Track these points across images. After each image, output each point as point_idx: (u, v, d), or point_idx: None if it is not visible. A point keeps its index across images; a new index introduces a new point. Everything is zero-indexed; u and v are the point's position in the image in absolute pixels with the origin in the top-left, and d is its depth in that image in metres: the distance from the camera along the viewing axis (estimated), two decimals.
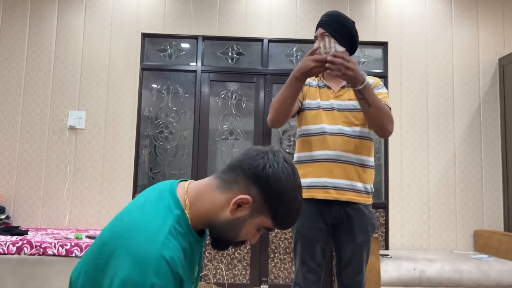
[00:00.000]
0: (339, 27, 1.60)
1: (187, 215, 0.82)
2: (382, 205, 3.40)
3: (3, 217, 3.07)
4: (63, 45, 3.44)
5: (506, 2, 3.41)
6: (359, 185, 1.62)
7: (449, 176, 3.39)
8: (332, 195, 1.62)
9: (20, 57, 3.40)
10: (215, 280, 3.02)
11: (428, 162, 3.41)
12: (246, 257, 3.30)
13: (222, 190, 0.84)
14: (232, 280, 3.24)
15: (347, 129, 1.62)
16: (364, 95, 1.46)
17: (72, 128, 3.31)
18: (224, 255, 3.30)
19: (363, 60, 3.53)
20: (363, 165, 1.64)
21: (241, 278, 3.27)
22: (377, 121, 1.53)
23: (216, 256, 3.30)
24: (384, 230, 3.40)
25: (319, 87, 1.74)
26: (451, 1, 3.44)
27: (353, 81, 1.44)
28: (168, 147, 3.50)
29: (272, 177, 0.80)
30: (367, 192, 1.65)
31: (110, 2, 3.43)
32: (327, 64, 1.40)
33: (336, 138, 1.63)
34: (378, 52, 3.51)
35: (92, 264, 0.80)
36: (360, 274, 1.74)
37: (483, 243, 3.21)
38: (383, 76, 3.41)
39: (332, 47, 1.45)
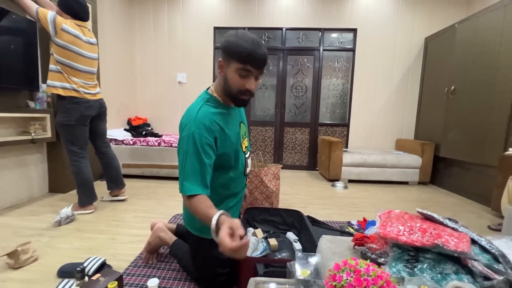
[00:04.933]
0: None
1: (215, 95, 0.90)
2: (346, 124, 3.78)
3: (149, 128, 3.58)
4: (172, 35, 3.69)
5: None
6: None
7: (386, 108, 3.70)
8: None
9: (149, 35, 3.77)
10: None
11: (374, 100, 3.68)
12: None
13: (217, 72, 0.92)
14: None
15: None
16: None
17: (180, 82, 3.71)
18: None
19: (341, 40, 3.68)
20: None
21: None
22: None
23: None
24: (346, 138, 3.80)
25: None
26: None
27: None
28: None
29: (226, 39, 0.84)
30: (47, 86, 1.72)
31: (196, 10, 3.63)
32: None
33: None
34: (351, 35, 3.65)
35: None
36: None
37: (400, 145, 3.62)
38: (353, 50, 3.64)
39: None
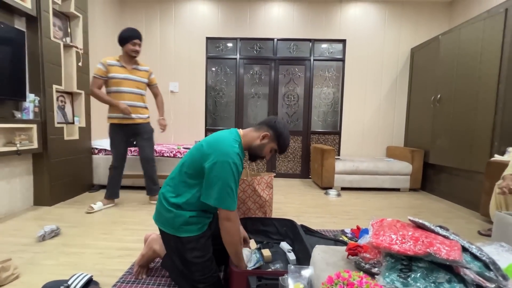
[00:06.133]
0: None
1: (242, 141, 1.09)
2: (337, 132, 3.85)
3: None
4: (164, 45, 3.72)
5: (419, 12, 3.61)
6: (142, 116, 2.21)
7: (376, 116, 3.76)
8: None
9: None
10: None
11: (364, 109, 3.77)
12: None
13: (255, 131, 1.11)
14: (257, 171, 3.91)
15: (136, 90, 2.15)
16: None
17: (172, 92, 3.75)
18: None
19: (331, 50, 3.79)
20: (143, 107, 2.22)
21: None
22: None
23: None
24: (338, 146, 3.85)
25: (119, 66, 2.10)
26: (385, 12, 3.64)
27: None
28: (222, 101, 3.89)
29: (278, 126, 1.10)
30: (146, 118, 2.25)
31: (188, 20, 3.70)
32: None
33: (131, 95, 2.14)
34: (340, 45, 3.76)
35: (195, 156, 1.02)
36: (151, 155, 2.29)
37: (391, 152, 3.68)
38: (342, 60, 3.75)
39: None
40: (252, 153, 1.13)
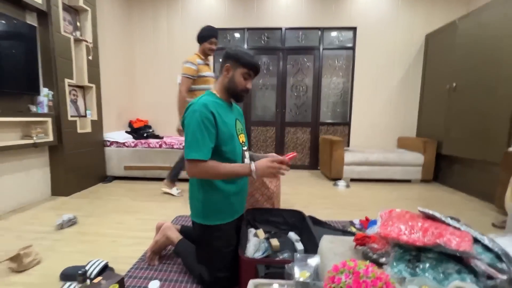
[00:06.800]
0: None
1: (215, 92, 1.10)
2: (347, 123, 3.78)
3: (150, 130, 3.61)
4: (171, 37, 3.72)
5: None
6: None
7: (387, 106, 3.68)
8: None
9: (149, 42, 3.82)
10: None
11: (375, 98, 3.68)
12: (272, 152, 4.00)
13: (219, 73, 1.12)
14: None
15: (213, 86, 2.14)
16: None
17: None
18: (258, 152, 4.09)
19: (341, 39, 3.69)
20: None
21: None
22: None
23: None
24: (347, 137, 3.79)
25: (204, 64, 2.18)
26: None
27: None
28: None
29: (230, 51, 1.08)
30: None
31: (195, 12, 3.68)
32: None
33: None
34: (350, 33, 3.65)
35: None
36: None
37: (402, 143, 3.62)
38: (353, 49, 3.65)
39: None
40: (232, 92, 1.09)
